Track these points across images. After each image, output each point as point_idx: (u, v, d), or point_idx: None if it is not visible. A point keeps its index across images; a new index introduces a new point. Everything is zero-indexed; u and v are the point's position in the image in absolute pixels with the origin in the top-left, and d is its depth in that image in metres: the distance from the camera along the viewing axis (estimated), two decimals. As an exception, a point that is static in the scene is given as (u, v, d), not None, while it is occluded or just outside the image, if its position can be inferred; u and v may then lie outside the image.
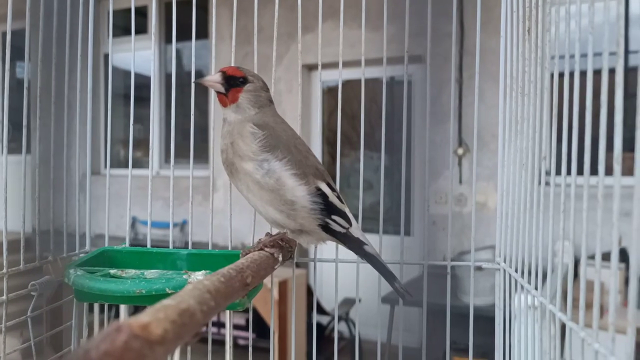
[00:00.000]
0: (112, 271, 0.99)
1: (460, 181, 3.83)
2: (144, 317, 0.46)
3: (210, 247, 1.11)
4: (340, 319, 3.75)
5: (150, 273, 1.00)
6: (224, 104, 0.97)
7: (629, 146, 0.56)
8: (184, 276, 0.88)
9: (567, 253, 0.77)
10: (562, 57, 0.77)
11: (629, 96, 0.61)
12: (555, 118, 0.77)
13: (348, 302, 3.40)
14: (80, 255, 1.13)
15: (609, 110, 0.59)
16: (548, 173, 0.81)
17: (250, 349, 1.10)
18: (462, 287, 2.85)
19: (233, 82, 0.96)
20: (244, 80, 0.96)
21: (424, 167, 1.09)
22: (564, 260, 0.81)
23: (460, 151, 3.78)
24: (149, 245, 1.13)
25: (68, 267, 0.95)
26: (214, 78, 0.95)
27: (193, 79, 1.00)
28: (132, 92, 1.18)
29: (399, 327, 3.52)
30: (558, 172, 0.77)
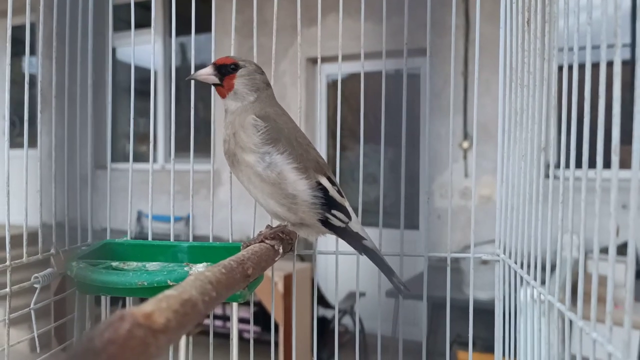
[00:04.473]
0: (114, 264, 1.00)
1: (466, 174, 3.82)
2: (147, 306, 0.47)
3: (211, 241, 1.12)
4: (345, 312, 3.75)
5: (152, 265, 1.00)
6: (222, 95, 0.97)
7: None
8: (185, 268, 0.89)
9: (567, 245, 0.78)
10: (568, 49, 0.77)
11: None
12: (562, 110, 0.77)
13: (352, 296, 3.40)
14: (83, 248, 1.14)
15: (609, 103, 0.59)
16: (552, 165, 0.81)
17: (251, 341, 1.11)
18: (467, 280, 2.85)
19: (225, 70, 0.96)
20: (235, 67, 0.96)
21: (429, 160, 1.09)
22: (564, 253, 0.81)
23: (465, 144, 3.77)
24: (150, 238, 1.14)
25: (70, 259, 0.96)
26: (205, 71, 0.96)
27: (191, 75, 1.00)
28: (132, 85, 1.19)
29: (404, 320, 3.55)
30: (558, 166, 0.77)
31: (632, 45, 3.27)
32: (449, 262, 1.09)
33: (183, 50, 4.89)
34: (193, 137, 1.14)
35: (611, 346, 0.59)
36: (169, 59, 4.80)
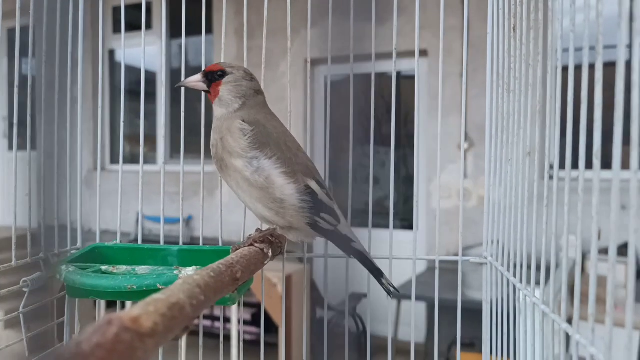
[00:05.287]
0: (104, 267, 1.00)
1: (465, 175, 3.82)
2: (135, 310, 0.47)
3: (202, 243, 1.12)
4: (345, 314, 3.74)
5: (142, 269, 1.01)
6: (211, 101, 0.99)
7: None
8: (175, 272, 0.89)
9: (554, 248, 0.79)
10: (555, 51, 0.77)
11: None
12: (547, 113, 0.78)
13: (355, 297, 3.37)
14: (72, 252, 1.14)
15: (602, 104, 0.60)
16: (537, 168, 0.82)
17: (241, 342, 1.11)
18: (465, 281, 2.86)
19: (212, 77, 0.98)
20: (222, 74, 0.98)
21: (422, 161, 1.10)
22: (549, 255, 0.82)
23: (464, 145, 3.77)
24: (140, 240, 1.14)
25: (59, 263, 0.96)
26: (194, 78, 0.99)
27: (181, 82, 1.02)
28: (122, 86, 1.19)
29: (405, 322, 3.55)
30: (549, 166, 0.78)
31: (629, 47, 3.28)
32: (437, 264, 1.10)
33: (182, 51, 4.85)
34: (184, 139, 1.15)
35: (594, 348, 0.60)
36: (169, 61, 4.78)
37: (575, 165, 0.65)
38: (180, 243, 1.12)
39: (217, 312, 3.93)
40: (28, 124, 1.02)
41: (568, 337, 0.70)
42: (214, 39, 4.51)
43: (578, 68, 0.67)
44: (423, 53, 3.62)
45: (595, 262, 0.60)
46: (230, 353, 3.24)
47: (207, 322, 4.00)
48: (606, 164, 0.59)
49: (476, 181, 3.70)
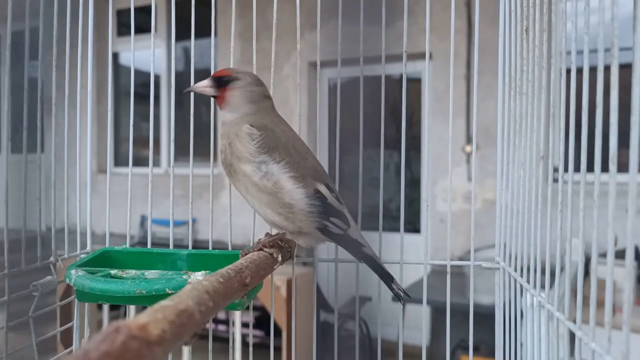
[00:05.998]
0: (113, 271, 1.00)
1: (469, 178, 3.80)
2: (143, 317, 0.46)
3: (210, 247, 1.12)
4: (349, 317, 3.74)
5: (151, 273, 1.00)
6: (220, 106, 0.99)
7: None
8: (184, 276, 0.88)
9: (567, 253, 0.77)
10: (566, 53, 0.76)
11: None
12: (562, 115, 0.77)
13: (359, 300, 3.35)
14: (81, 256, 1.14)
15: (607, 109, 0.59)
16: (552, 171, 0.81)
17: (250, 345, 1.11)
18: (470, 285, 2.83)
19: (220, 82, 0.97)
20: (231, 79, 0.97)
21: (430, 164, 1.09)
22: (564, 260, 0.81)
23: (468, 148, 3.75)
24: (149, 244, 1.14)
25: (69, 267, 0.96)
26: (203, 83, 0.98)
27: (189, 88, 1.02)
28: (132, 90, 1.19)
29: (408, 325, 3.54)
30: (557, 169, 0.77)
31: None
32: (448, 269, 1.09)
33: (187, 54, 4.90)
34: (193, 141, 1.15)
35: (610, 357, 0.59)
36: (173, 63, 4.75)
37: (590, 169, 0.64)
38: (190, 247, 1.11)
39: (221, 314, 3.92)
40: (38, 127, 1.02)
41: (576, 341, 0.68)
42: (217, 42, 4.53)
43: (591, 70, 0.66)
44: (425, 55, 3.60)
45: (611, 268, 0.58)
46: (233, 356, 3.23)
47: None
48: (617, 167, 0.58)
49: (481, 184, 3.68)
